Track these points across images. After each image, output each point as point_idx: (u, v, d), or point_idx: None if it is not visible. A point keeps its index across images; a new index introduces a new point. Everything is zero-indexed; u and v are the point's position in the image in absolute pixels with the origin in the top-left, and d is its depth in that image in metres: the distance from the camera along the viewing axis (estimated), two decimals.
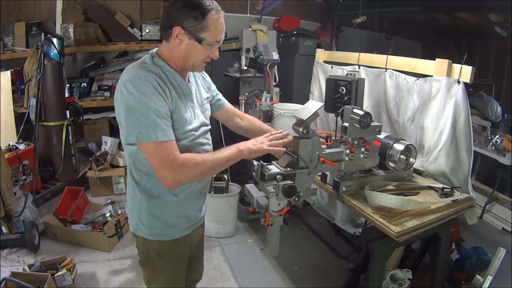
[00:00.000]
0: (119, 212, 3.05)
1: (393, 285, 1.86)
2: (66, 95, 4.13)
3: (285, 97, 3.09)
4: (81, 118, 4.00)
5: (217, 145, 1.65)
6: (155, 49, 1.35)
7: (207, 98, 1.51)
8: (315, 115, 1.45)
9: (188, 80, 1.41)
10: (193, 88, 1.41)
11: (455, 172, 1.93)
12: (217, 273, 2.65)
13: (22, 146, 3.31)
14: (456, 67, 1.87)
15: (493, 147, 3.53)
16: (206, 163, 1.24)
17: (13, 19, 4.33)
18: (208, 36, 1.25)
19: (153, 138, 1.17)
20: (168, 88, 1.25)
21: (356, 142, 1.69)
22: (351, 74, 2.36)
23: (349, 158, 1.69)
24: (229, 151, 1.32)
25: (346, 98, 2.09)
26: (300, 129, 1.42)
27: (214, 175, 3.01)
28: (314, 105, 1.48)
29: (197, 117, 1.38)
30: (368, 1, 3.73)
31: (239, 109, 3.18)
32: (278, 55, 3.08)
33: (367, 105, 2.40)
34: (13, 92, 3.86)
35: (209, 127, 1.49)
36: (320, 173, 1.87)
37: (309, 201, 2.91)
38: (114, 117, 4.67)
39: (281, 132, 1.49)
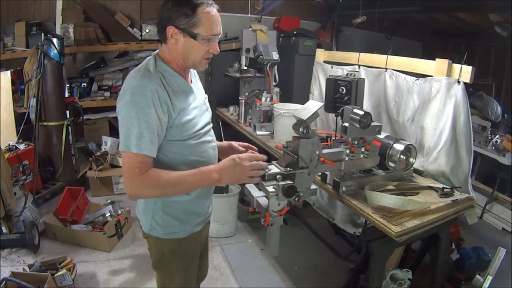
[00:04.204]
0: (119, 212, 3.05)
1: (393, 285, 1.86)
2: (66, 95, 4.13)
3: (285, 97, 3.09)
4: (81, 118, 4.00)
5: None
6: (157, 51, 1.35)
7: (206, 97, 1.52)
8: (315, 115, 1.45)
9: (191, 81, 1.41)
10: (195, 88, 1.42)
11: (455, 172, 1.93)
12: (217, 273, 2.65)
13: (22, 146, 3.31)
14: (456, 67, 1.87)
15: (493, 147, 3.53)
16: (167, 188, 1.24)
17: (13, 19, 4.33)
18: (202, 31, 1.25)
19: (131, 148, 1.18)
20: (169, 97, 1.25)
21: (356, 142, 1.69)
22: (351, 74, 2.36)
23: (349, 158, 1.69)
24: (199, 178, 1.27)
25: (346, 98, 2.09)
26: (300, 129, 1.42)
27: None
28: (314, 105, 1.48)
29: (200, 118, 1.39)
30: (368, 1, 3.73)
31: (239, 109, 3.19)
32: (278, 55, 3.07)
33: (367, 105, 2.40)
34: (13, 92, 3.86)
35: (211, 125, 1.51)
36: (320, 173, 1.87)
37: (309, 201, 2.91)
38: (114, 117, 4.69)
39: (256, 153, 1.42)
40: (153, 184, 1.22)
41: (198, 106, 1.39)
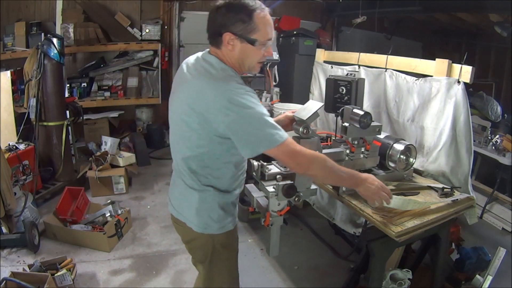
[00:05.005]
0: (119, 212, 3.04)
1: (393, 285, 1.86)
2: (66, 95, 4.13)
3: (285, 97, 3.10)
4: (81, 118, 4.00)
5: None
6: (207, 52, 1.35)
7: None
8: (315, 115, 1.45)
9: None
10: None
11: (455, 172, 1.93)
12: None
13: (22, 146, 3.31)
14: (456, 67, 1.87)
15: (493, 147, 3.53)
16: (331, 171, 1.32)
17: (13, 19, 4.34)
18: (259, 36, 1.26)
19: (279, 140, 1.20)
20: None
21: (356, 142, 1.70)
22: (351, 74, 2.36)
23: (349, 158, 1.69)
24: (350, 177, 1.40)
25: (346, 98, 2.09)
26: (300, 129, 1.42)
27: None
28: (314, 105, 1.48)
29: None
30: (368, 1, 3.73)
31: None
32: (278, 55, 3.08)
33: (367, 105, 2.40)
34: (13, 92, 3.86)
35: None
36: None
37: (309, 201, 2.91)
38: (114, 117, 4.66)
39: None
40: (322, 161, 1.29)
41: None
